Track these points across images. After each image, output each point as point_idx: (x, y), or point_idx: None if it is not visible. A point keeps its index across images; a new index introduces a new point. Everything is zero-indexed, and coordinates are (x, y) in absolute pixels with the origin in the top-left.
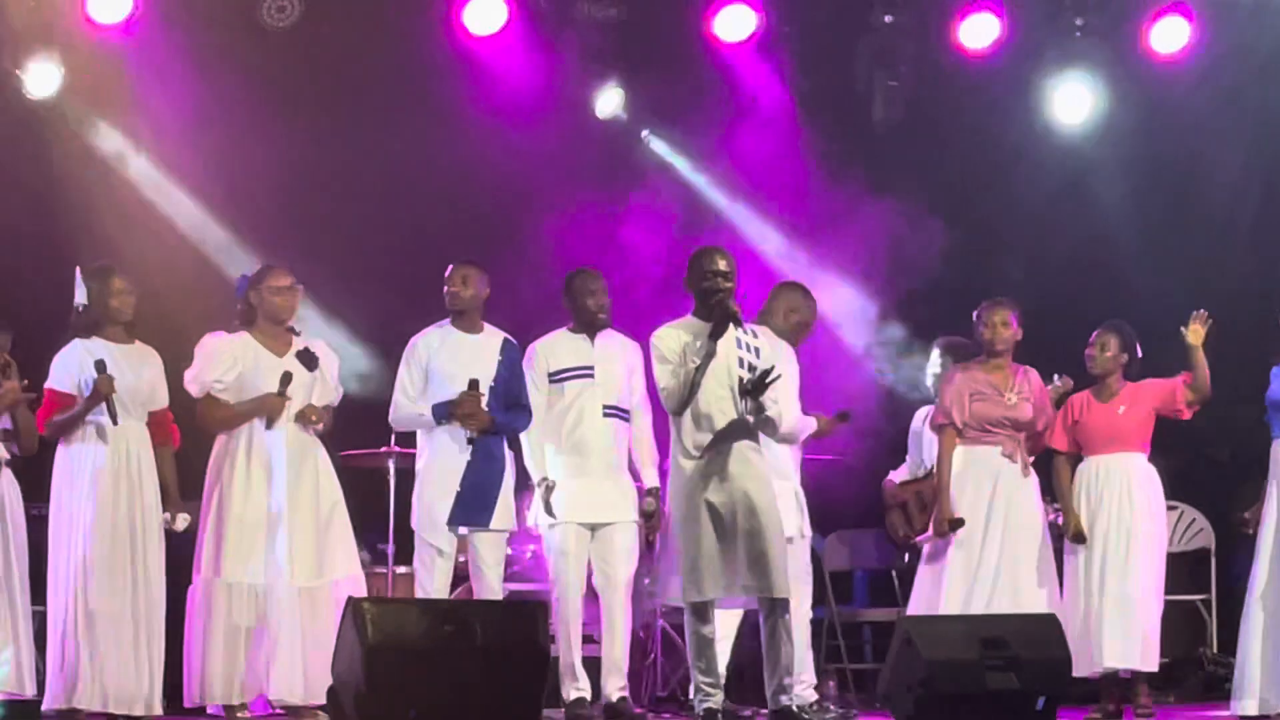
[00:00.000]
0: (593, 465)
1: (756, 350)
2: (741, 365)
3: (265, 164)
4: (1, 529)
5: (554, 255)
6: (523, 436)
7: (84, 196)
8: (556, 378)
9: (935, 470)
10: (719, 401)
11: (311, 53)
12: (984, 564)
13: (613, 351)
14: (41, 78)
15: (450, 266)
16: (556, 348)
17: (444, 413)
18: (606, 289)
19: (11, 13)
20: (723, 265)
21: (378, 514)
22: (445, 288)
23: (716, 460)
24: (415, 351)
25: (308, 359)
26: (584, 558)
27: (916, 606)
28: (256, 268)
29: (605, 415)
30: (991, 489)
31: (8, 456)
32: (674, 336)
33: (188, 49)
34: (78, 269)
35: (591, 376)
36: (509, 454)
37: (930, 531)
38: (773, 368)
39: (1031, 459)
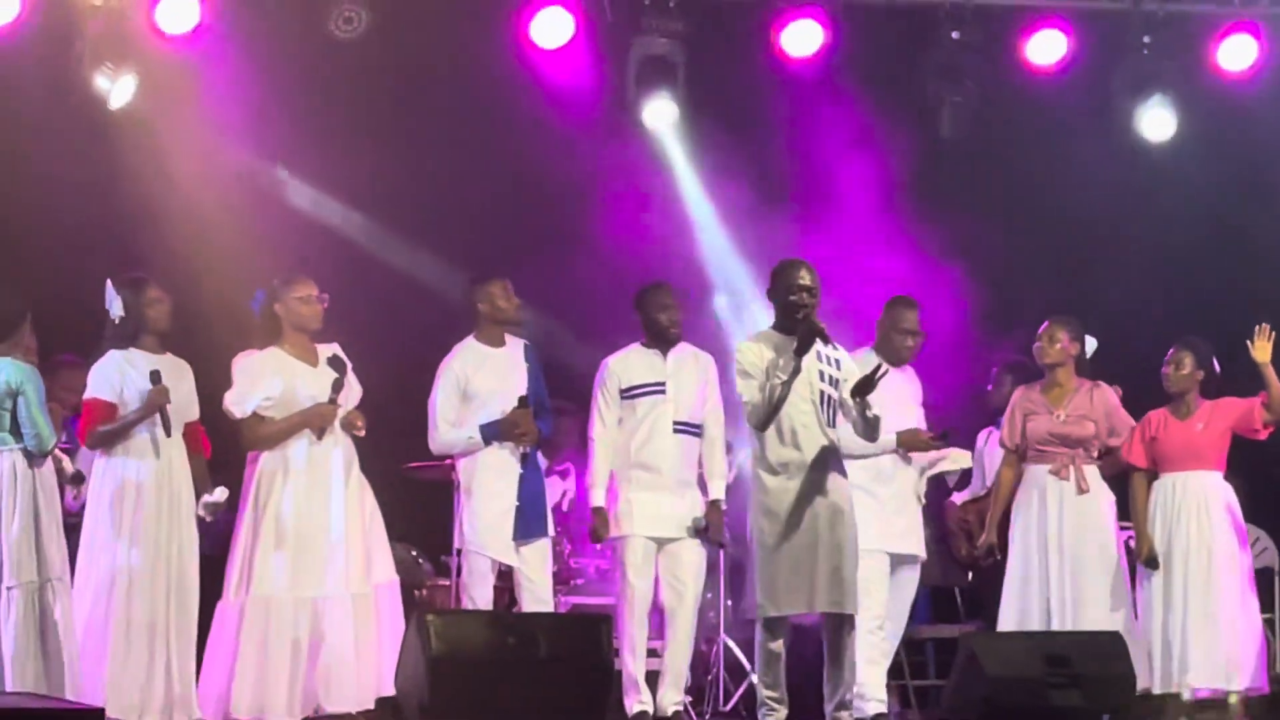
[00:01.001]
0: (662, 480)
1: (837, 363)
2: (823, 379)
3: (331, 173)
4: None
5: (617, 266)
6: (591, 460)
7: (154, 205)
8: (629, 394)
9: (994, 489)
10: (801, 416)
11: (379, 63)
12: (1040, 581)
13: (686, 367)
14: (116, 87)
15: (489, 280)
16: (630, 364)
17: (494, 432)
18: (679, 304)
19: (87, 23)
20: (807, 279)
21: (441, 526)
22: (486, 302)
23: (798, 475)
24: (451, 377)
25: (338, 365)
26: (651, 571)
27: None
28: (274, 281)
29: (676, 431)
30: (1041, 506)
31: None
32: (756, 350)
33: (255, 59)
34: (109, 280)
35: (664, 393)
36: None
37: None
38: (880, 364)
39: (1109, 475)
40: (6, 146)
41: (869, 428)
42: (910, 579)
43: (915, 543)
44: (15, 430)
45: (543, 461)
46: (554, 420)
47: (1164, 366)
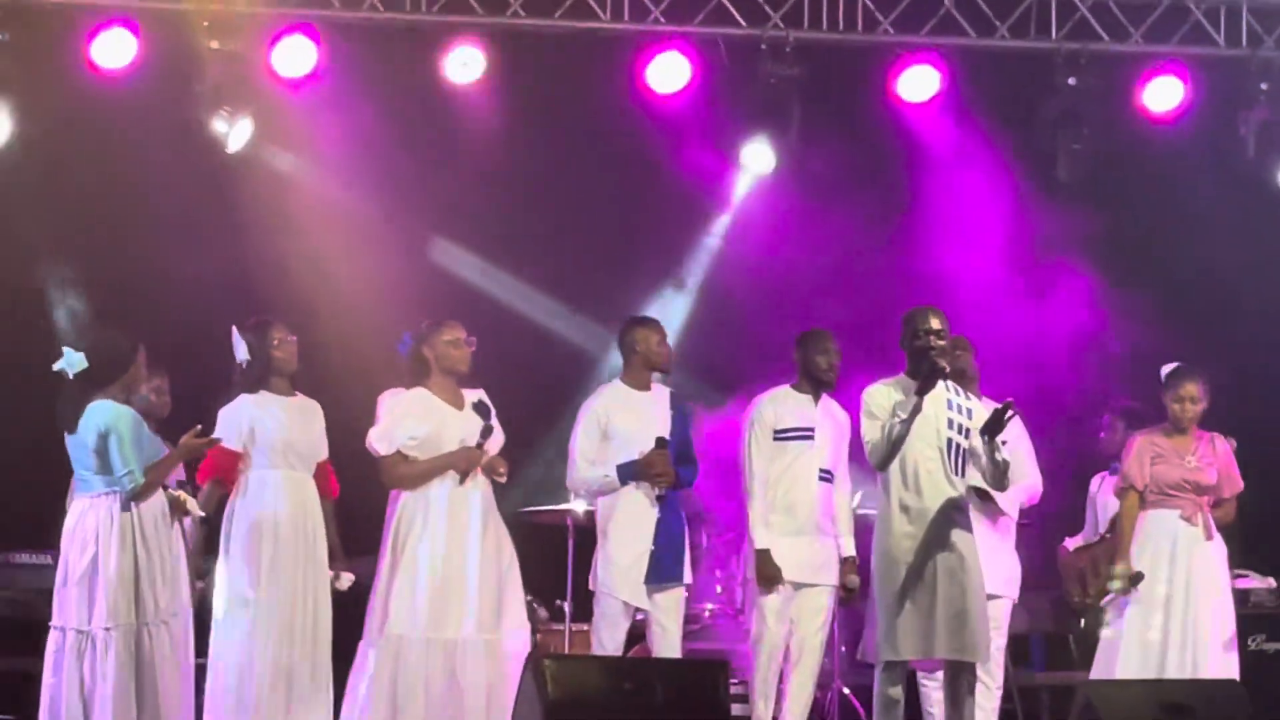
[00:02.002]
0: (802, 525)
1: (969, 411)
2: (951, 426)
3: (447, 216)
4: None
5: (732, 308)
6: (751, 500)
7: (273, 249)
8: (780, 436)
9: (1115, 530)
10: (927, 461)
11: (494, 107)
12: (1162, 629)
13: (831, 414)
14: (234, 131)
15: (647, 325)
16: (782, 406)
17: (631, 473)
18: (839, 352)
19: (205, 66)
20: (936, 324)
21: (556, 571)
22: (643, 345)
23: (923, 520)
24: (593, 415)
25: (483, 410)
26: (789, 616)
27: (1097, 670)
28: (423, 325)
29: (820, 478)
30: (1171, 552)
31: (200, 514)
32: (884, 393)
33: (372, 102)
34: (234, 327)
35: (811, 438)
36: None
37: (1110, 591)
38: (1009, 404)
39: (1221, 525)
40: (125, 189)
41: (998, 474)
42: None
43: None
44: (109, 473)
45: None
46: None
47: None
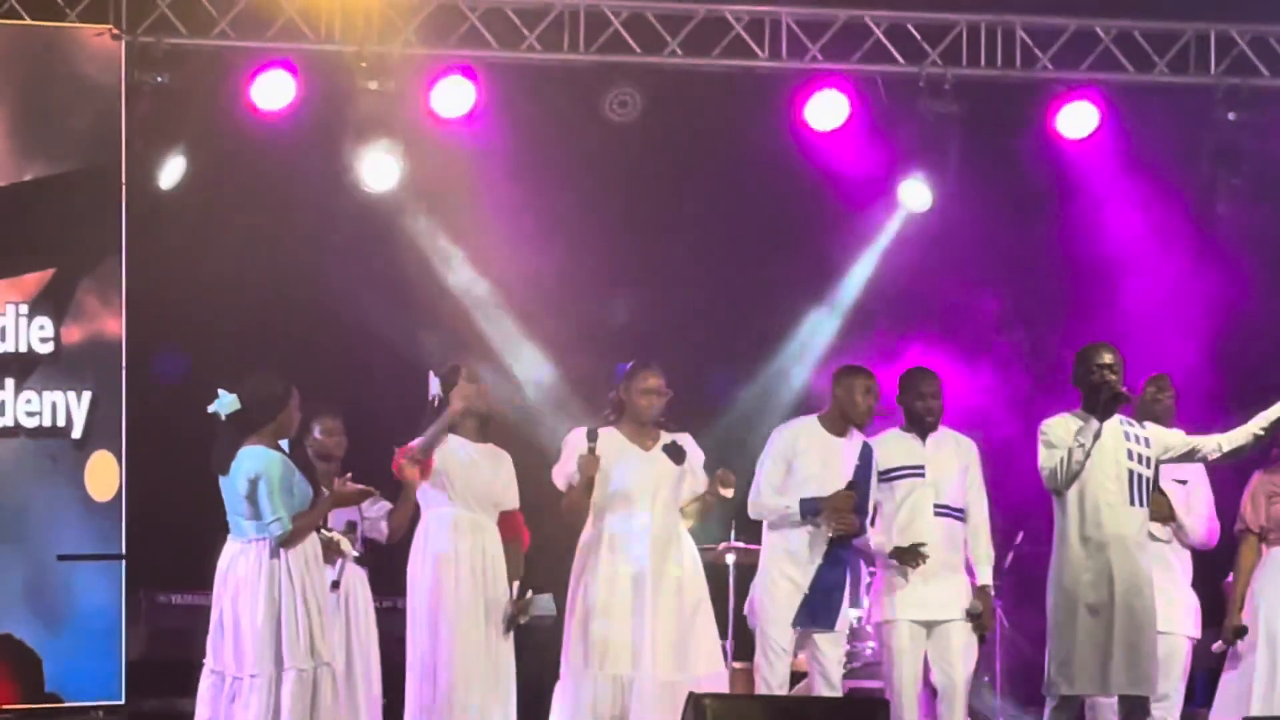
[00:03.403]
0: (928, 564)
1: (1146, 441)
2: (1130, 457)
3: (601, 258)
4: (349, 622)
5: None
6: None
7: (427, 291)
8: (886, 476)
9: (1236, 573)
10: (1106, 494)
11: (653, 146)
12: None
13: (945, 450)
14: (381, 171)
15: (857, 373)
16: (887, 446)
17: (813, 509)
18: (940, 391)
19: (359, 104)
20: (1109, 359)
21: (717, 609)
22: (845, 392)
23: (1102, 553)
24: (780, 443)
25: (675, 452)
26: (919, 655)
27: (1222, 710)
28: (631, 364)
29: (936, 514)
30: None
31: (355, 553)
32: (1062, 424)
33: (529, 143)
34: (430, 371)
35: (923, 476)
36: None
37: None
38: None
39: None
40: (285, 231)
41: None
42: None
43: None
44: (258, 518)
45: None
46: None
47: None
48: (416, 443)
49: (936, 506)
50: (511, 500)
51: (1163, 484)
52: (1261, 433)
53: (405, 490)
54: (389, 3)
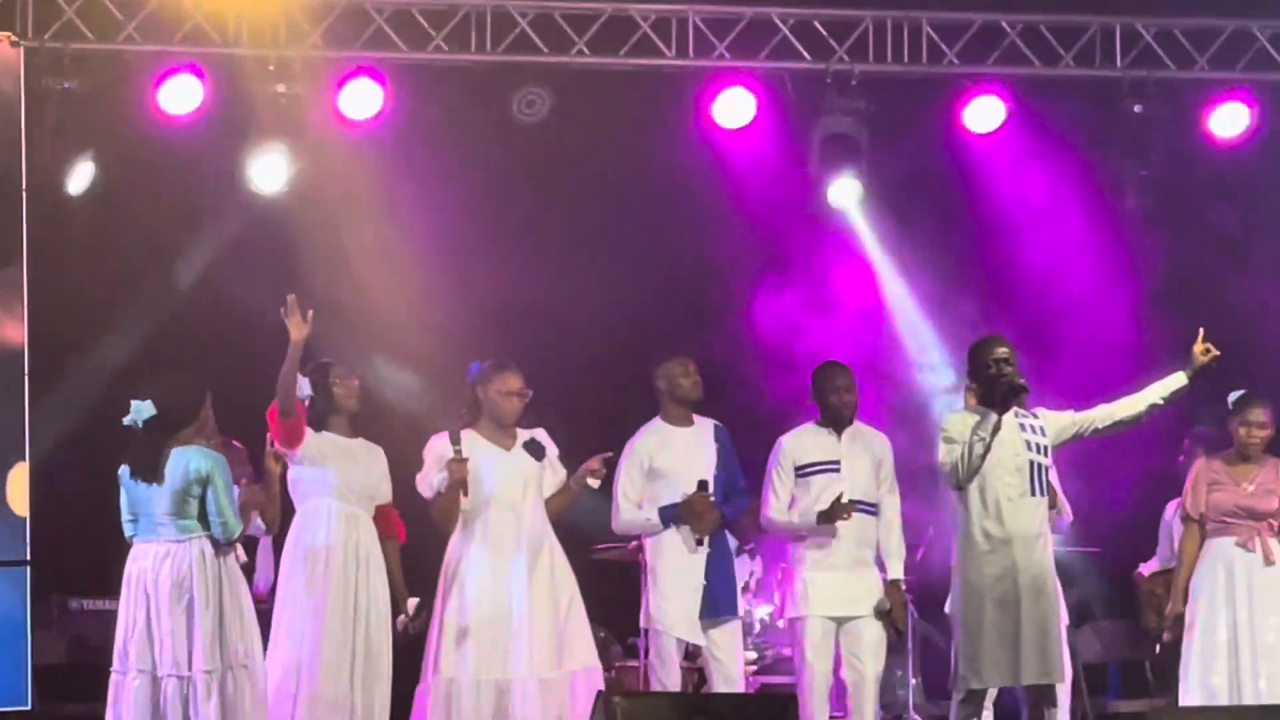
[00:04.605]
0: (838, 559)
1: (1042, 430)
2: (1029, 448)
3: (506, 258)
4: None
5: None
6: (781, 527)
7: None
8: (803, 472)
9: (1178, 559)
10: (1006, 488)
11: (562, 147)
12: (1227, 656)
13: (860, 445)
14: (270, 172)
15: (669, 359)
16: (804, 442)
17: (673, 515)
18: (854, 385)
19: (257, 107)
20: (1004, 351)
21: (629, 607)
22: (666, 380)
23: (1006, 546)
24: (635, 455)
25: (535, 449)
26: (830, 651)
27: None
28: (488, 360)
29: (854, 512)
30: (1228, 579)
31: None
32: (960, 419)
33: (437, 144)
34: (300, 377)
35: (838, 471)
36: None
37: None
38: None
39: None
40: (193, 236)
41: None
42: None
43: None
44: (203, 517)
45: (732, 541)
46: (747, 501)
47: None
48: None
49: (852, 502)
50: (386, 494)
51: None
52: (1160, 401)
53: (269, 483)
54: (296, 6)
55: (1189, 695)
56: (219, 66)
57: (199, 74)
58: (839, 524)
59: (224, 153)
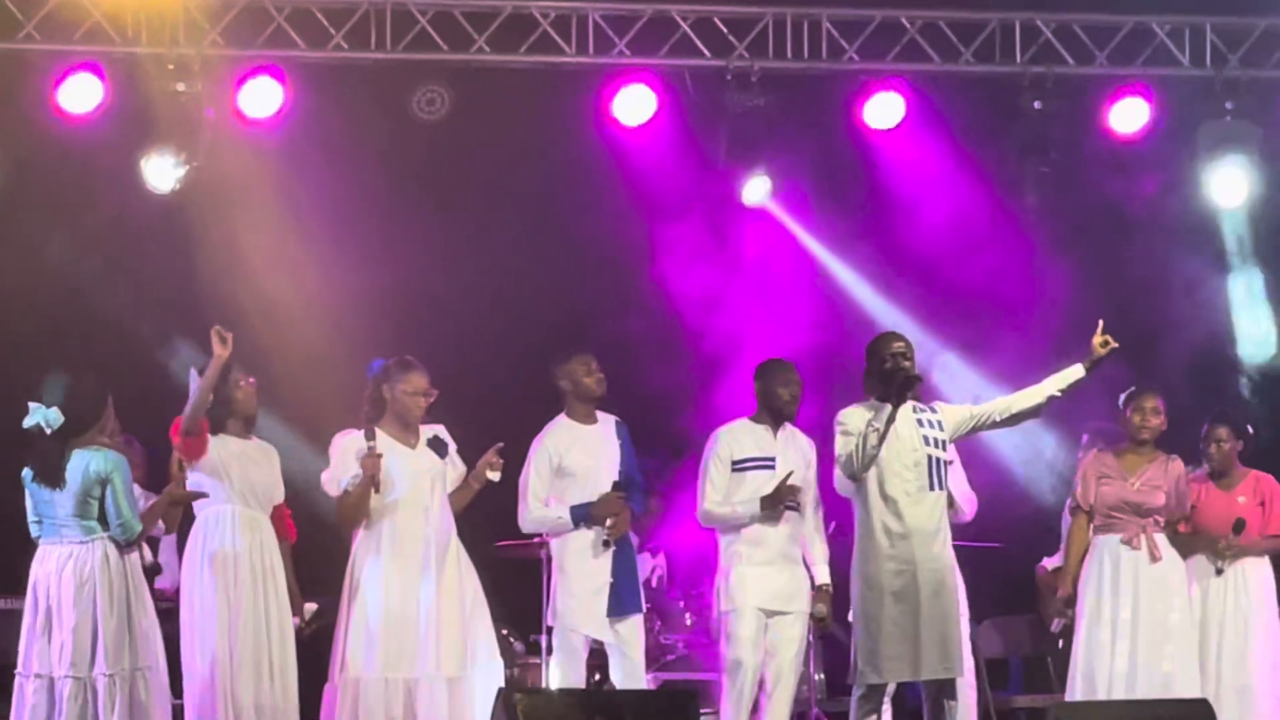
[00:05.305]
0: (770, 555)
1: (940, 424)
2: (926, 443)
3: (407, 256)
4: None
5: (695, 343)
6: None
7: (220, 290)
8: (739, 466)
9: (1066, 552)
10: (904, 484)
11: (463, 145)
12: (1111, 651)
13: (793, 445)
14: (163, 172)
15: (570, 357)
16: (740, 436)
17: (584, 515)
18: (800, 381)
19: (157, 105)
20: (900, 347)
21: (531, 604)
22: (568, 379)
23: (905, 541)
24: (544, 453)
25: (439, 446)
26: (761, 645)
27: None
28: (392, 359)
29: (786, 507)
30: (1114, 576)
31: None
32: (857, 413)
33: (338, 142)
34: (192, 369)
35: (773, 468)
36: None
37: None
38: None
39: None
40: (85, 233)
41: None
42: None
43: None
44: (104, 518)
45: (634, 538)
46: (646, 498)
47: (1202, 444)
48: (186, 411)
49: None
50: (281, 495)
51: None
52: (1058, 393)
53: (170, 490)
54: (195, 4)
55: (1076, 688)
56: (118, 65)
57: (98, 73)
58: (772, 522)
59: (124, 151)
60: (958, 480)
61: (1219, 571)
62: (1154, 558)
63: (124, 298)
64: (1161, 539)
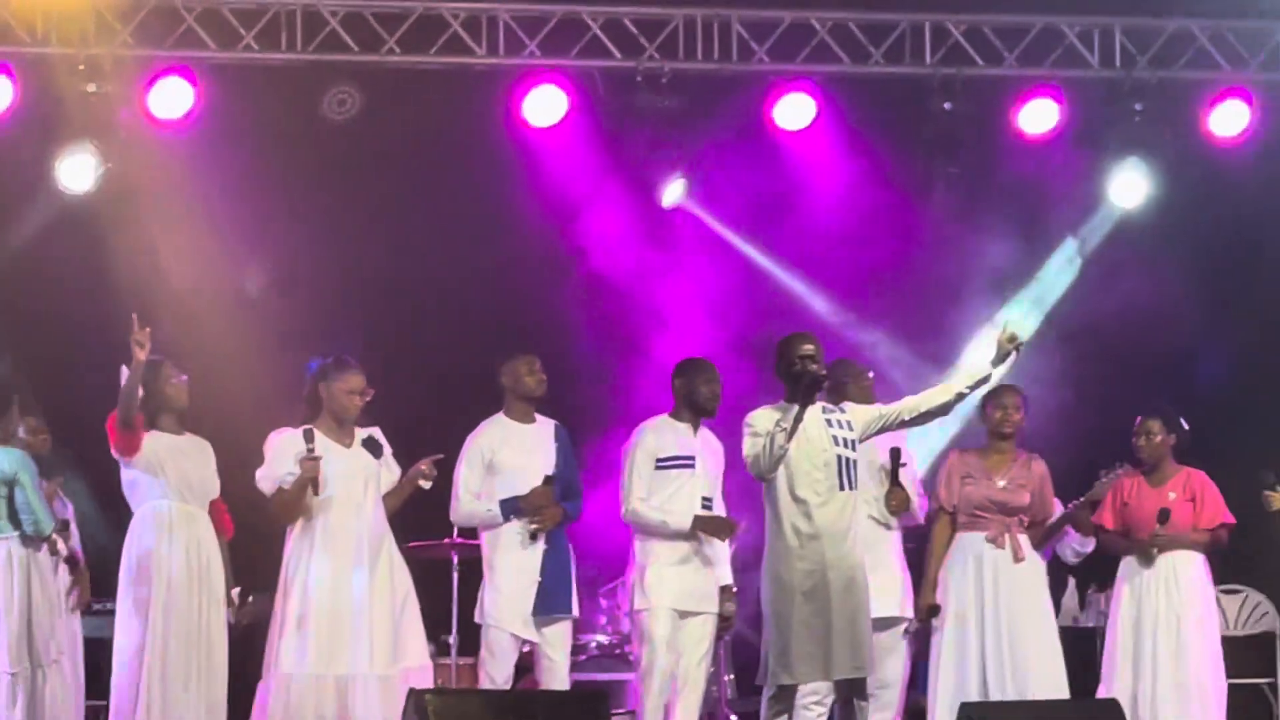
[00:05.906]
0: (686, 554)
1: (849, 424)
2: (836, 443)
3: (321, 257)
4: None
5: (609, 339)
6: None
7: (135, 289)
8: (661, 464)
9: (928, 553)
10: (814, 484)
11: (372, 145)
12: (974, 651)
13: (710, 444)
14: (78, 172)
15: (514, 356)
16: (663, 434)
17: (514, 508)
18: (720, 379)
19: (67, 105)
20: (810, 348)
21: (441, 605)
22: (511, 378)
23: (815, 542)
24: (476, 448)
25: (374, 447)
26: (674, 643)
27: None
28: (329, 357)
29: (703, 506)
30: (977, 574)
31: (65, 552)
32: (766, 415)
33: (248, 143)
34: (123, 366)
35: (693, 466)
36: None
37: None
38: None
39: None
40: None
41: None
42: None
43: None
44: (12, 517)
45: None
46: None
47: (1133, 437)
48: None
49: (703, 498)
50: (216, 489)
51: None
52: (966, 390)
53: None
54: (105, 4)
55: (942, 689)
56: (28, 65)
57: (8, 73)
58: (689, 520)
59: (34, 152)
60: (911, 483)
61: (1150, 560)
62: (1017, 557)
63: (38, 299)
64: (1024, 539)
